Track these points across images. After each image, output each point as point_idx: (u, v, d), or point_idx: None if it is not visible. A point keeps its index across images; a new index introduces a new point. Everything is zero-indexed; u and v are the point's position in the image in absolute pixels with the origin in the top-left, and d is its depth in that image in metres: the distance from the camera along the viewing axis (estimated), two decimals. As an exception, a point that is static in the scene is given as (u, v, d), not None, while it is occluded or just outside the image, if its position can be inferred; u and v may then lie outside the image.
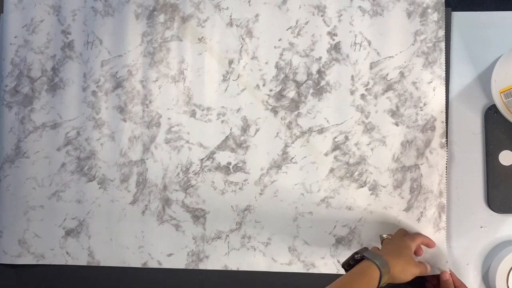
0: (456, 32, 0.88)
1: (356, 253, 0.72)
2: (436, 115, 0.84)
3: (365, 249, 0.74)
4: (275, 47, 0.89)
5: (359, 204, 0.86)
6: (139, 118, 0.90)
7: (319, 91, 0.87)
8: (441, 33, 0.85)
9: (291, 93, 0.88)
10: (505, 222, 0.85)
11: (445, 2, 0.86)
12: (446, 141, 0.84)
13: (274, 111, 0.88)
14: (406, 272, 0.74)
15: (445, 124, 0.84)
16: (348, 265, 0.72)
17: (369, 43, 0.87)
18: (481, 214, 0.86)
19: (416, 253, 0.79)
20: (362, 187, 0.86)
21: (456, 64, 0.87)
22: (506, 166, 0.84)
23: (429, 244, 0.81)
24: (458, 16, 0.88)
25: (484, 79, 0.87)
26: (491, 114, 0.85)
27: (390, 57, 0.86)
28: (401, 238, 0.79)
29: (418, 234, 0.81)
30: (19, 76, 0.93)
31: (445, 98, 0.85)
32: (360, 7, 0.87)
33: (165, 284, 0.89)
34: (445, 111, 0.84)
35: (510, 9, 0.88)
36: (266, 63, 0.89)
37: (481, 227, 0.85)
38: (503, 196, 0.84)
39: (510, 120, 0.82)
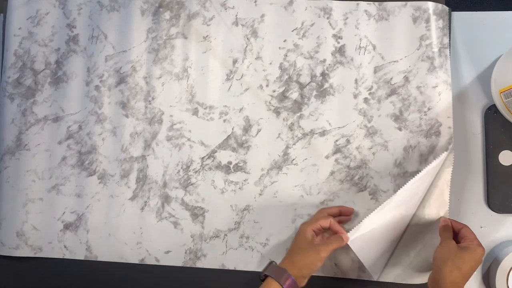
0: (456, 32, 0.88)
1: (262, 271, 0.77)
2: (442, 120, 0.84)
3: (269, 264, 0.79)
4: (279, 48, 0.89)
5: (358, 208, 0.85)
6: (141, 114, 0.90)
7: (322, 94, 0.87)
8: (446, 40, 0.85)
9: (294, 95, 0.88)
10: (505, 222, 0.85)
11: (445, 2, 0.86)
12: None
13: (277, 112, 0.88)
14: (308, 264, 0.76)
15: (452, 129, 0.84)
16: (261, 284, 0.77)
17: (374, 47, 0.87)
18: (481, 214, 0.86)
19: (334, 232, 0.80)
20: (362, 191, 0.86)
21: (456, 64, 0.87)
22: (506, 166, 0.85)
23: (333, 227, 0.80)
24: (458, 16, 0.88)
25: (484, 79, 0.87)
26: (491, 114, 0.85)
27: (394, 61, 0.86)
28: (299, 227, 0.81)
29: (323, 217, 0.81)
30: (22, 68, 0.92)
31: (451, 104, 0.84)
32: (366, 11, 0.88)
33: (162, 281, 0.89)
34: (451, 116, 0.84)
35: (510, 9, 0.88)
36: (270, 63, 0.89)
37: (481, 227, 0.85)
38: (503, 196, 0.84)
39: (510, 120, 0.82)
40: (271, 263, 0.80)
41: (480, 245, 0.74)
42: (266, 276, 0.76)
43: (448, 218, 0.81)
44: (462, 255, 0.73)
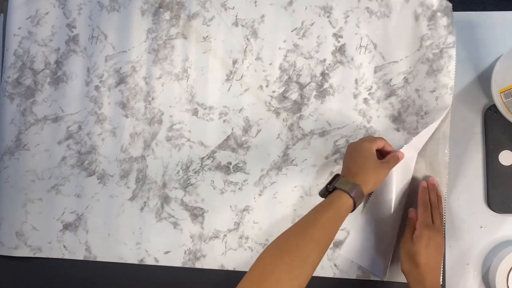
0: (456, 32, 0.87)
1: (329, 183, 0.74)
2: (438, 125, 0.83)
3: (337, 176, 0.75)
4: (279, 48, 0.88)
5: (357, 208, 0.85)
6: (141, 114, 0.90)
7: (322, 94, 0.87)
8: (451, 39, 0.83)
9: (294, 95, 0.88)
10: (505, 222, 0.85)
11: None
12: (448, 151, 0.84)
13: (276, 112, 0.88)
14: (378, 182, 0.76)
15: (448, 134, 0.83)
16: (324, 196, 0.75)
17: (375, 46, 0.86)
18: (481, 214, 0.85)
19: (384, 153, 0.80)
20: (362, 191, 0.86)
21: (456, 64, 0.86)
22: (506, 166, 0.85)
23: (386, 147, 0.80)
24: (458, 16, 0.88)
25: (484, 79, 0.87)
26: (491, 114, 0.85)
27: (395, 62, 0.86)
28: (360, 145, 0.77)
29: (378, 137, 0.80)
30: (22, 68, 0.92)
31: (450, 107, 0.83)
32: (367, 8, 0.87)
33: (161, 281, 0.89)
34: (449, 119, 0.83)
35: (510, 9, 0.88)
36: (270, 64, 0.88)
37: (481, 227, 0.85)
38: (503, 196, 0.84)
39: (510, 120, 0.82)
40: (338, 175, 0.75)
41: (430, 226, 0.76)
42: (334, 189, 0.73)
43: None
44: (415, 249, 0.75)
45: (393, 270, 0.84)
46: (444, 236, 0.81)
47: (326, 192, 0.74)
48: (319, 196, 0.76)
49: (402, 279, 0.83)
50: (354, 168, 0.75)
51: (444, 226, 0.82)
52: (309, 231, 0.67)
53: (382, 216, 0.82)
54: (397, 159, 0.79)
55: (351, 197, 0.71)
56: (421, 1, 0.85)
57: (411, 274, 0.76)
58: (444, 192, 0.82)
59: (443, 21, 0.84)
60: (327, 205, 0.71)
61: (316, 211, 0.71)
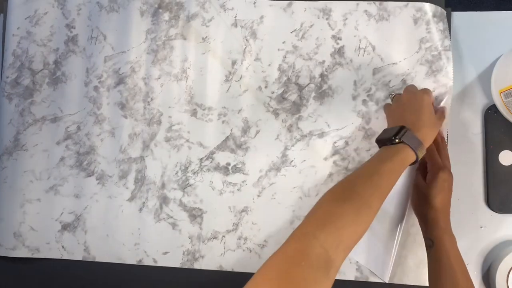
0: (456, 32, 0.88)
1: (395, 135, 0.72)
2: None
3: (403, 128, 0.73)
4: (278, 49, 0.89)
5: None
6: (140, 115, 0.90)
7: (321, 95, 0.87)
8: (447, 42, 0.85)
9: (293, 96, 0.88)
10: (505, 222, 0.85)
11: (445, 2, 0.86)
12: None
13: (275, 113, 0.88)
14: (433, 138, 0.75)
15: (446, 134, 0.84)
16: (384, 144, 0.74)
17: (373, 48, 0.87)
18: (481, 214, 0.85)
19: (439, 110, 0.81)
20: (361, 193, 0.86)
21: (456, 64, 0.87)
22: (506, 166, 0.85)
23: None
24: (458, 16, 0.88)
25: (484, 79, 0.87)
26: (491, 114, 0.85)
27: (393, 63, 0.86)
28: (422, 98, 0.76)
29: (428, 89, 0.79)
30: (20, 68, 0.92)
31: (449, 107, 0.83)
32: (366, 11, 0.87)
33: (160, 282, 0.89)
34: (448, 120, 0.83)
35: (510, 9, 0.88)
36: (269, 65, 0.89)
37: (481, 227, 0.85)
38: (503, 196, 0.84)
39: (510, 120, 0.82)
40: (404, 129, 0.73)
41: (443, 168, 0.77)
42: (400, 142, 0.72)
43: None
44: (430, 192, 0.76)
45: (395, 272, 0.84)
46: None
47: (390, 143, 0.73)
48: (375, 142, 0.77)
49: (403, 281, 0.84)
50: (419, 122, 0.74)
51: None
52: (374, 179, 0.66)
53: (389, 216, 0.82)
54: (444, 115, 0.80)
55: (415, 153, 0.71)
56: (419, 6, 0.86)
57: (426, 216, 0.76)
58: None
59: (439, 26, 0.85)
60: (392, 156, 0.70)
61: (380, 160, 0.70)
